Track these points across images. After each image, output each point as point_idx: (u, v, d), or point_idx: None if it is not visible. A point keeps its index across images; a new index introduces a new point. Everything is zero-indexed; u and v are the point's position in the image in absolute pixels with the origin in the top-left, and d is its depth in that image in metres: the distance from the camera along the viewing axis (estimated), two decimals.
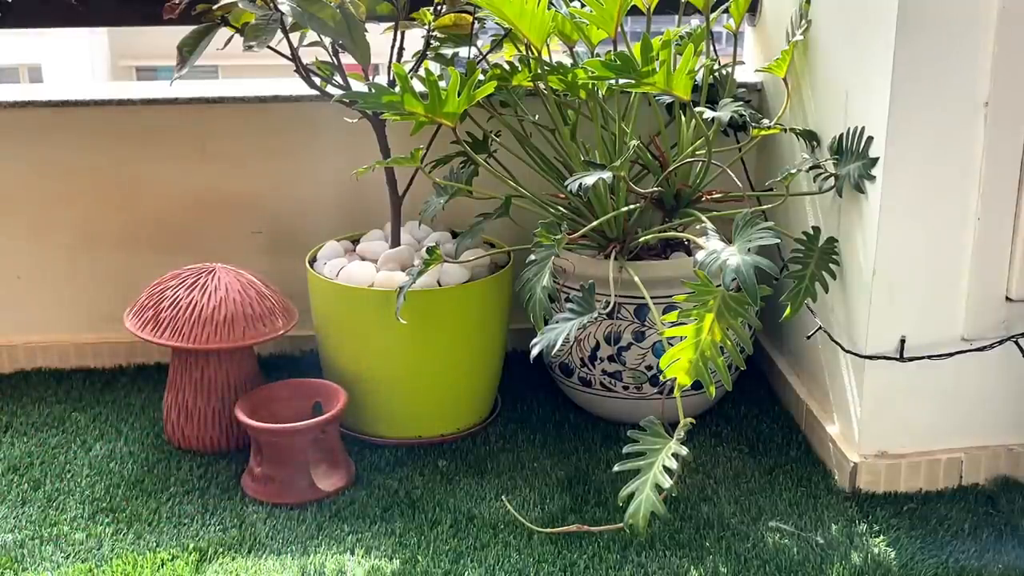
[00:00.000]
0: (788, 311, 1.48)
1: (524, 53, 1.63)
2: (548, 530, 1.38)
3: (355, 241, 1.78)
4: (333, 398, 1.57)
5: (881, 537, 1.40)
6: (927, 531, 1.41)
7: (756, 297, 1.23)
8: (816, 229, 1.54)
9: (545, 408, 1.57)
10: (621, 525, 1.28)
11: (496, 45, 1.70)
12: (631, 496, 1.24)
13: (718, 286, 1.27)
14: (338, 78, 1.60)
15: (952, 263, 1.44)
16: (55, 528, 1.42)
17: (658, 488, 1.22)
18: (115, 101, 1.84)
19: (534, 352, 1.40)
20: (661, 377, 1.33)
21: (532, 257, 1.47)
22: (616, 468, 1.32)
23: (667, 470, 1.23)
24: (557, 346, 1.37)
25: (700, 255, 1.29)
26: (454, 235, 1.79)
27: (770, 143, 1.83)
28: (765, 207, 1.75)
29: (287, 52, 1.55)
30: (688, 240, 1.50)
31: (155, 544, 1.39)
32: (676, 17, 1.70)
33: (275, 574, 1.32)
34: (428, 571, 1.33)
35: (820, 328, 1.59)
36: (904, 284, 1.44)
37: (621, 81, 1.38)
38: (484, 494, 1.51)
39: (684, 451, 1.24)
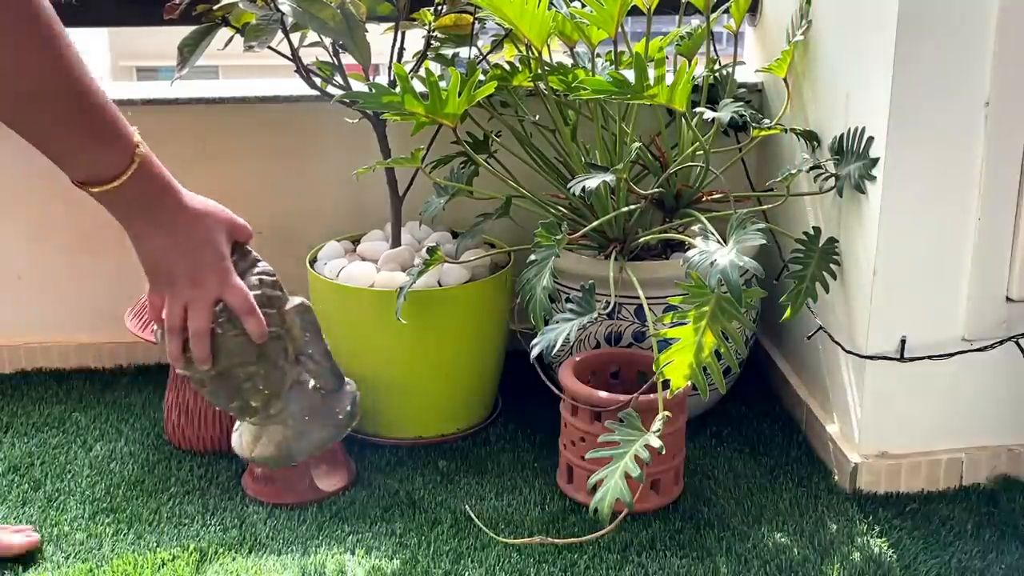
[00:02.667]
0: (788, 312, 1.48)
1: (524, 53, 1.63)
2: (512, 540, 1.38)
3: (355, 241, 1.78)
4: None
5: (883, 538, 1.40)
6: (929, 531, 1.41)
7: (740, 298, 1.23)
8: (816, 229, 1.54)
9: (545, 408, 1.57)
10: (587, 538, 1.34)
11: (496, 45, 1.70)
12: (601, 483, 1.25)
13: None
14: (338, 78, 1.60)
15: (953, 263, 1.44)
16: (55, 528, 1.42)
17: (627, 476, 1.23)
18: (115, 101, 1.83)
19: (534, 352, 1.41)
20: (657, 378, 1.33)
21: (532, 257, 1.47)
22: (588, 455, 1.33)
23: (638, 460, 1.24)
24: (557, 346, 1.38)
25: (692, 255, 1.29)
26: (454, 235, 1.79)
27: (770, 143, 1.84)
28: (766, 207, 1.75)
29: (287, 52, 1.55)
30: (687, 241, 1.50)
31: (155, 544, 1.39)
32: (676, 17, 1.70)
33: (275, 574, 1.32)
34: (428, 571, 1.33)
35: (820, 328, 1.59)
36: (904, 284, 1.44)
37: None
38: (484, 494, 1.51)
39: (657, 443, 1.25)
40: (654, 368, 1.32)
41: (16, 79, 0.92)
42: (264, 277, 1.12)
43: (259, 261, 1.13)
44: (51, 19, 0.91)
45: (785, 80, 1.70)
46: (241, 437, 1.27)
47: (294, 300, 1.17)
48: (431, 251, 1.55)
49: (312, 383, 1.22)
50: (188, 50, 1.47)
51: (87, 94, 0.99)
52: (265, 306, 1.11)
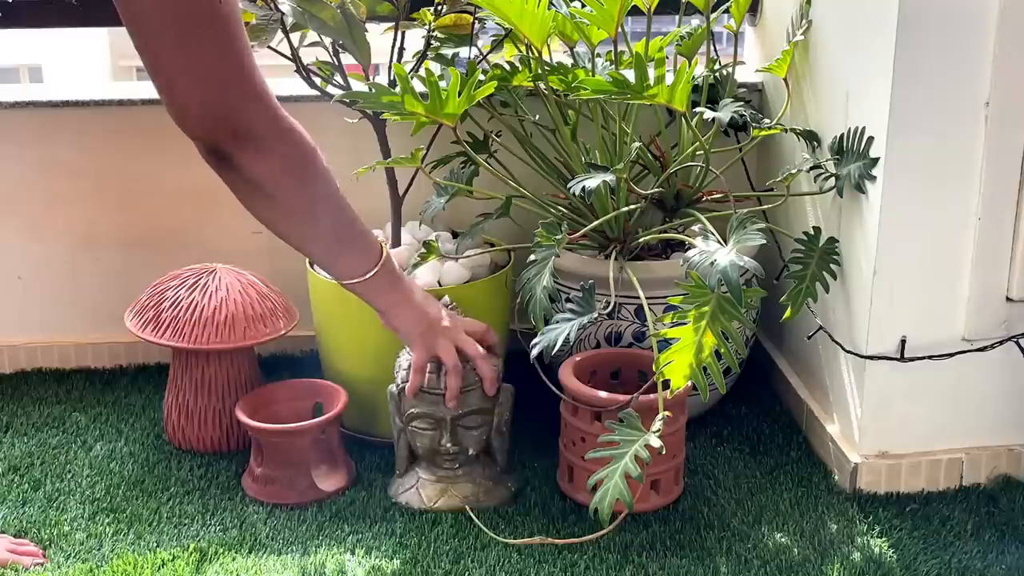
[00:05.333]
0: (789, 312, 1.48)
1: (524, 53, 1.63)
2: (512, 540, 1.38)
3: None
4: (333, 398, 1.57)
5: (883, 538, 1.40)
6: (929, 531, 1.41)
7: (740, 298, 1.23)
8: (817, 229, 1.54)
9: (545, 408, 1.57)
10: (587, 538, 1.35)
11: (496, 45, 1.70)
12: (601, 483, 1.26)
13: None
14: (338, 78, 1.60)
15: (952, 263, 1.44)
16: (55, 528, 1.42)
17: (627, 477, 1.23)
18: (115, 101, 1.84)
19: (534, 352, 1.41)
20: (657, 378, 1.33)
21: (532, 257, 1.47)
22: (588, 455, 1.33)
23: (639, 460, 1.24)
24: (557, 346, 1.38)
25: (693, 255, 1.29)
26: (454, 235, 1.79)
27: (771, 143, 1.84)
28: (766, 207, 1.75)
29: (287, 52, 1.55)
30: (687, 241, 1.50)
31: (155, 544, 1.39)
32: (676, 17, 1.70)
33: (275, 574, 1.32)
34: (428, 571, 1.33)
35: (820, 328, 1.59)
36: (904, 284, 1.44)
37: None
38: None
39: (657, 443, 1.25)
40: (654, 368, 1.32)
41: (317, 223, 1.27)
42: (499, 361, 1.48)
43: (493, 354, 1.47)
44: (326, 171, 1.27)
45: (785, 80, 1.70)
46: (420, 492, 1.47)
47: (506, 385, 1.48)
48: (427, 244, 1.55)
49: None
50: None
51: (347, 212, 1.30)
52: (497, 379, 1.45)
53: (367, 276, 1.33)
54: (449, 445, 1.43)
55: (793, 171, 1.58)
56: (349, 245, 1.32)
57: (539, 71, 1.57)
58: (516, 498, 1.49)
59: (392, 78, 1.52)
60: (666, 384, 1.32)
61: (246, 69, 1.11)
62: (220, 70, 1.09)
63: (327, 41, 1.57)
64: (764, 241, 1.29)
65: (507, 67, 1.64)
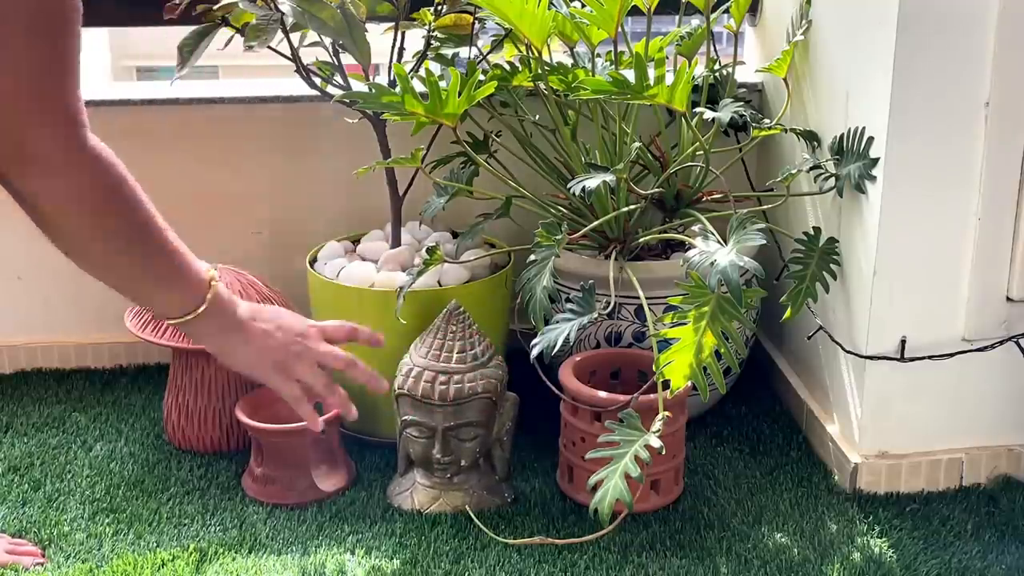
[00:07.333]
0: (789, 312, 1.48)
1: (525, 53, 1.63)
2: (512, 540, 1.38)
3: (355, 241, 1.78)
4: None
5: (883, 538, 1.40)
6: (929, 532, 1.41)
7: (740, 298, 1.23)
8: (817, 229, 1.54)
9: (545, 408, 1.57)
10: (587, 538, 1.35)
11: (496, 45, 1.70)
12: (601, 483, 1.26)
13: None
14: (338, 78, 1.60)
15: (952, 263, 1.44)
16: (55, 528, 1.42)
17: (627, 477, 1.23)
18: (115, 101, 1.84)
19: (534, 352, 1.41)
20: (657, 378, 1.33)
21: (532, 257, 1.47)
22: (588, 455, 1.33)
23: (639, 460, 1.24)
24: (557, 346, 1.38)
25: (693, 255, 1.29)
26: (454, 235, 1.78)
27: (771, 143, 1.84)
28: (766, 207, 1.75)
29: (287, 52, 1.55)
30: (687, 241, 1.50)
31: (155, 544, 1.39)
32: (676, 17, 1.70)
33: (275, 574, 1.32)
34: (428, 571, 1.33)
35: (820, 328, 1.59)
36: (904, 284, 1.44)
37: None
38: None
39: (657, 443, 1.25)
40: (654, 368, 1.32)
41: (119, 258, 1.15)
42: (501, 370, 1.46)
43: (497, 356, 1.47)
44: (135, 200, 1.14)
45: (785, 80, 1.70)
46: (413, 497, 1.47)
47: (510, 394, 1.47)
48: (430, 251, 1.55)
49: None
50: (188, 50, 1.47)
51: (161, 245, 1.19)
52: (497, 391, 1.44)
53: (188, 317, 1.19)
54: (440, 455, 1.42)
55: (793, 171, 1.58)
56: (164, 282, 1.19)
57: (539, 71, 1.57)
58: (512, 507, 1.49)
59: (392, 78, 1.52)
60: (666, 384, 1.32)
61: (60, 88, 1.00)
62: (14, 87, 0.98)
63: (327, 41, 1.57)
64: (764, 241, 1.29)
65: (507, 67, 1.64)
